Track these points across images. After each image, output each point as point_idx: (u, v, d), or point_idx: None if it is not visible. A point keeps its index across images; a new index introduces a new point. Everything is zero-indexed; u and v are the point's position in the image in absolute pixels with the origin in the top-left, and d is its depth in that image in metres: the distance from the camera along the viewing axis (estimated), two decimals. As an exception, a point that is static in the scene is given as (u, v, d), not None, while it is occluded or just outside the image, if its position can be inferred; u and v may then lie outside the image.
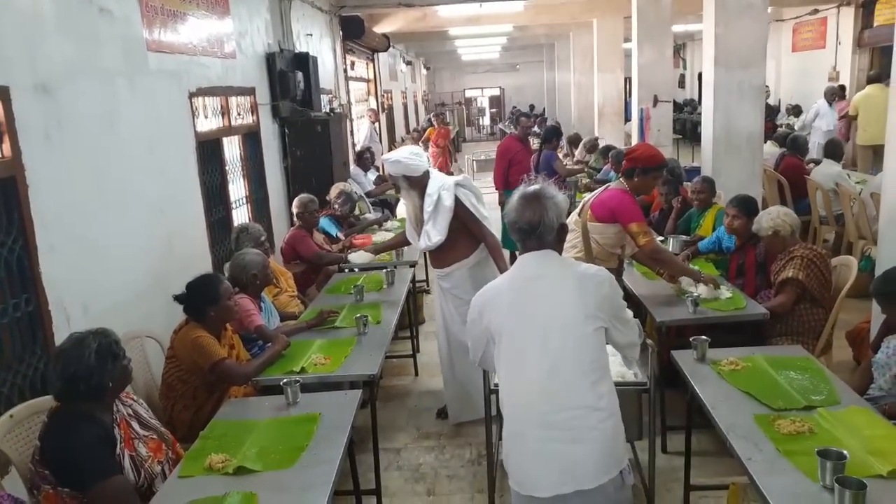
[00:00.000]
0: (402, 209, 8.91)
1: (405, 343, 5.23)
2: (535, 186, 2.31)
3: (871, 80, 9.86)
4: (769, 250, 4.00)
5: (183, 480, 2.32)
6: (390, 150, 14.46)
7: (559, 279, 2.26)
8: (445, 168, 11.42)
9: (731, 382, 2.74)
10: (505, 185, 7.67)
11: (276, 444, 2.48)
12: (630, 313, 2.38)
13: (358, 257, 4.59)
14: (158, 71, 4.31)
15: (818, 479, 2.06)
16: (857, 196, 6.12)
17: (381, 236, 5.90)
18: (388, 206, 8.91)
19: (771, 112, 13.46)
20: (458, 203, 3.97)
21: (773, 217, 3.89)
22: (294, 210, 5.24)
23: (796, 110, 13.15)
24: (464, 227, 4.01)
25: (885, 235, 4.03)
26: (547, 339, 2.18)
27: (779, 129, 11.29)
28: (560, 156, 8.47)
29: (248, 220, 5.89)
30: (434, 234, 3.97)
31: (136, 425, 2.47)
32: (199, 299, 3.23)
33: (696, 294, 3.78)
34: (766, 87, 11.53)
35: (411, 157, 4.01)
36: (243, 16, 5.95)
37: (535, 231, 2.26)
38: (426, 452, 3.98)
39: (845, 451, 2.07)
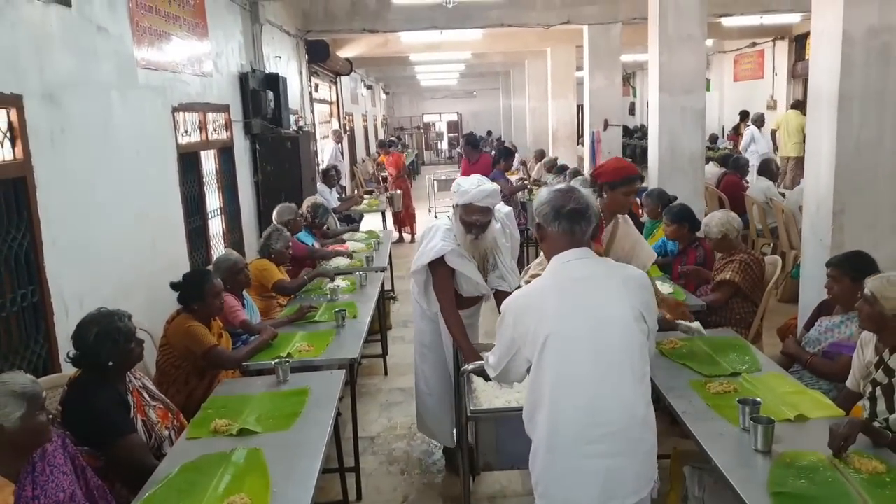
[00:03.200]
0: (367, 224, 9.25)
1: (375, 345, 5.54)
2: (565, 185, 2.31)
3: (793, 106, 11.49)
4: (718, 250, 4.41)
5: (192, 441, 2.61)
6: (352, 170, 14.85)
7: (606, 280, 2.17)
8: (407, 191, 11.67)
9: (669, 357, 3.15)
10: None
11: (273, 412, 2.80)
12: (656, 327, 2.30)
13: None
14: (146, 86, 4.60)
15: (739, 424, 2.47)
16: (785, 208, 6.68)
17: (352, 245, 6.24)
18: (352, 223, 9.24)
19: (713, 139, 14.33)
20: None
21: (721, 221, 4.34)
22: (280, 218, 5.48)
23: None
24: None
25: (807, 245, 4.52)
26: (599, 343, 2.07)
27: (723, 150, 12.08)
28: (509, 177, 8.93)
29: (222, 231, 6.18)
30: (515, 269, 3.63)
31: (145, 395, 2.76)
32: (187, 293, 3.52)
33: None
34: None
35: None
36: (220, 37, 6.26)
37: (585, 214, 2.18)
38: (398, 440, 4.30)
39: (759, 399, 2.50)
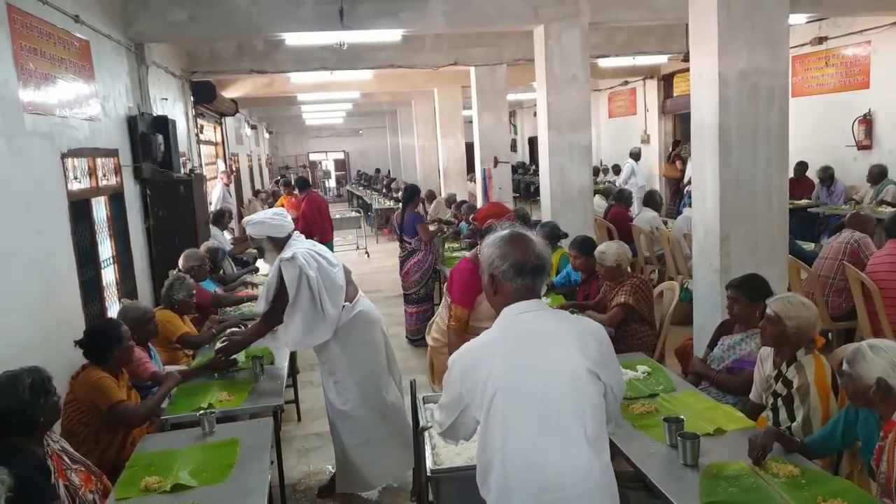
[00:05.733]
0: (263, 267, 9.05)
1: (287, 391, 5.40)
2: (511, 229, 2.16)
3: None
4: (608, 277, 4.63)
5: (122, 502, 2.47)
6: (240, 211, 14.49)
7: (558, 334, 2.03)
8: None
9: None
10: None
11: (205, 465, 2.70)
12: (624, 384, 2.19)
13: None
14: (34, 132, 4.37)
15: (665, 441, 2.64)
16: (670, 236, 7.15)
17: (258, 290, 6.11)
18: (246, 265, 9.01)
19: (595, 172, 15.10)
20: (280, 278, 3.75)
21: (618, 252, 4.56)
22: (186, 264, 5.32)
23: (616, 169, 14.80)
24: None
25: (698, 269, 4.88)
26: (547, 401, 1.93)
27: (604, 184, 12.72)
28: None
29: (115, 281, 5.88)
30: (260, 302, 3.96)
31: (66, 458, 2.59)
32: (104, 340, 3.35)
33: None
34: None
35: (275, 217, 3.95)
36: (106, 80, 6.04)
37: (546, 268, 2.08)
38: (321, 485, 4.20)
39: (683, 417, 2.67)
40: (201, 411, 3.08)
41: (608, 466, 1.98)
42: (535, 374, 1.96)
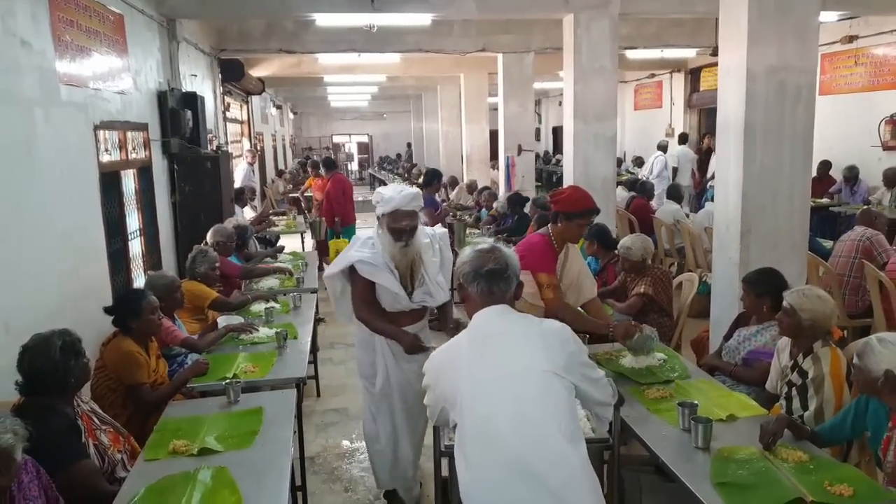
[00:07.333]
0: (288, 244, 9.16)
1: (307, 367, 5.51)
2: (488, 244, 2.30)
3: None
4: (632, 270, 4.66)
5: (151, 463, 2.58)
6: (263, 191, 14.62)
7: (523, 336, 2.10)
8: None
9: (607, 367, 3.36)
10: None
11: (231, 431, 2.80)
12: (600, 372, 2.25)
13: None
14: (69, 103, 4.47)
15: (678, 424, 2.71)
16: (691, 230, 7.15)
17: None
18: (268, 244, 9.14)
19: (618, 164, 15.04)
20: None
21: (645, 247, 4.60)
22: (213, 239, 5.45)
23: (639, 161, 14.75)
24: None
25: (717, 263, 4.90)
26: (515, 399, 1.98)
27: (627, 175, 12.70)
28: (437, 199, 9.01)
29: (141, 253, 6.01)
30: (447, 288, 3.56)
31: (95, 419, 2.70)
32: (123, 313, 3.43)
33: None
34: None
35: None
36: (138, 54, 6.13)
37: (503, 274, 2.17)
38: (338, 459, 4.33)
39: (697, 402, 2.73)
40: (227, 381, 3.17)
41: (585, 457, 2.02)
42: (499, 374, 2.03)
